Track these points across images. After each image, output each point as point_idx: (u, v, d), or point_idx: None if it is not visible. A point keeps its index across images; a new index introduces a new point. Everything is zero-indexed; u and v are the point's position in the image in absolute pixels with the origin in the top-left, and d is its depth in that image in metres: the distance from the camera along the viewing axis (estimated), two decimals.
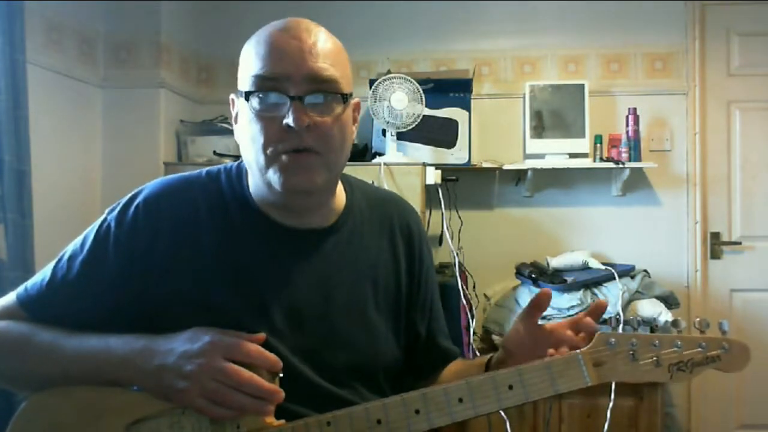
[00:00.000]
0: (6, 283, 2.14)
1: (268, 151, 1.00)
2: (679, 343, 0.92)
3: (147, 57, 3.00)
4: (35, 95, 2.37)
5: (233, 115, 1.10)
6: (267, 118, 0.99)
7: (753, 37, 3.21)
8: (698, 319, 0.92)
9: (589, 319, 0.99)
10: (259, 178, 1.04)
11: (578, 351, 0.93)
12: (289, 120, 0.97)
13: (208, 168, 1.15)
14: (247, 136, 1.02)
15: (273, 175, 1.00)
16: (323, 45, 1.01)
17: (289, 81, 0.98)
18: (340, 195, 1.15)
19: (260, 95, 1.00)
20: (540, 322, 1.04)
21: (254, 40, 1.03)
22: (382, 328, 1.13)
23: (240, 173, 1.12)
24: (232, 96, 1.10)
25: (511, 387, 0.93)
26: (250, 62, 1.02)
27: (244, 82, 1.02)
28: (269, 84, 0.99)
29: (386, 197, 1.26)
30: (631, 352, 0.92)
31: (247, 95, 1.00)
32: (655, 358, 0.92)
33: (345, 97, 1.03)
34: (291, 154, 0.99)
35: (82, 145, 2.89)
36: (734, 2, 3.23)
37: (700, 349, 0.92)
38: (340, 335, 1.08)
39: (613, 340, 0.93)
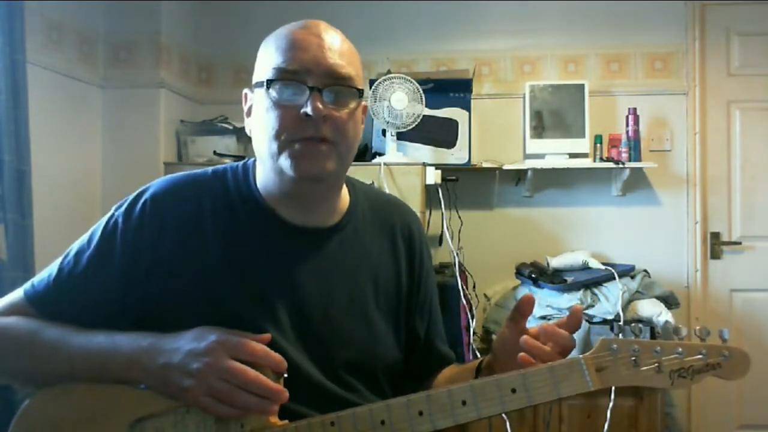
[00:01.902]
0: (6, 283, 2.14)
1: (282, 138, 1.02)
2: (681, 350, 0.93)
3: (147, 57, 3.00)
4: (35, 95, 2.37)
5: (245, 109, 1.13)
6: (285, 106, 1.02)
7: (753, 37, 3.22)
8: (698, 327, 0.93)
9: (556, 330, 1.00)
10: (270, 167, 1.06)
11: (581, 356, 0.94)
12: (307, 109, 1.00)
13: (214, 167, 1.16)
14: (262, 124, 1.04)
15: (285, 161, 1.02)
16: (340, 45, 1.06)
17: (309, 73, 1.02)
18: (344, 196, 1.17)
19: (280, 85, 1.02)
20: (541, 322, 1.05)
21: (273, 37, 1.07)
22: (382, 327, 1.15)
23: (246, 171, 1.13)
24: (245, 91, 1.13)
25: (514, 390, 0.93)
26: (270, 56, 1.05)
27: (264, 73, 1.05)
28: (290, 75, 1.02)
29: (388, 200, 1.28)
30: (633, 358, 0.93)
31: (269, 84, 1.03)
32: (656, 365, 0.92)
33: (360, 92, 1.07)
34: (304, 142, 1.02)
35: (82, 145, 2.89)
36: (734, 2, 3.23)
37: (700, 357, 0.92)
38: (341, 333, 1.09)
39: (615, 345, 0.94)
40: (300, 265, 1.09)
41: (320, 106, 1.00)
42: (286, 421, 0.97)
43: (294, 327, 1.06)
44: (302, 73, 1.02)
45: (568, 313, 1.02)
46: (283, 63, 1.02)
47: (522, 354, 0.97)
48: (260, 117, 1.05)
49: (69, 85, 2.78)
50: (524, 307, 1.03)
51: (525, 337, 0.99)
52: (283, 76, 1.02)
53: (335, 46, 1.05)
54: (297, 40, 1.03)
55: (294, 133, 1.01)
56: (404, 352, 1.19)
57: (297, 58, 1.02)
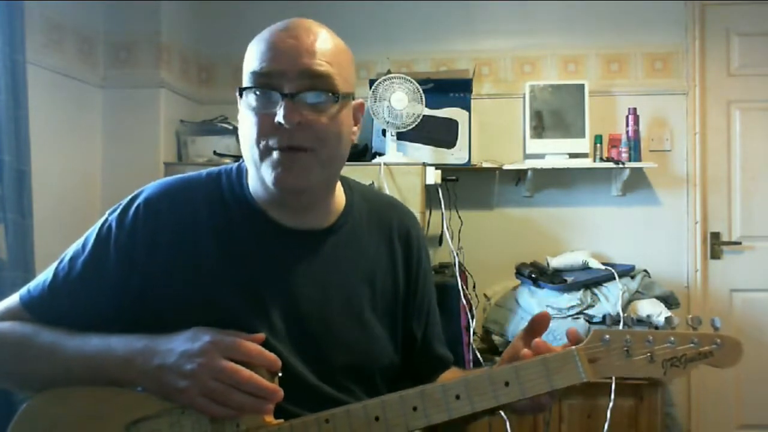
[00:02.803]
0: (6, 283, 2.14)
1: (260, 145, 1.01)
2: (673, 339, 0.93)
3: (147, 57, 3.00)
4: (35, 95, 2.38)
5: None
6: (261, 113, 1.01)
7: (753, 37, 3.22)
8: (690, 317, 0.94)
9: (550, 348, 0.98)
10: (255, 173, 1.05)
11: (574, 347, 0.94)
12: (279, 117, 0.98)
13: (208, 169, 1.16)
14: (244, 130, 1.04)
15: (266, 170, 1.01)
16: (322, 44, 1.02)
17: (283, 78, 0.99)
18: (340, 196, 1.16)
19: (255, 92, 1.01)
20: None
21: (256, 39, 1.05)
22: (378, 330, 1.14)
23: (240, 174, 1.12)
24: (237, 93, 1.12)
25: (507, 383, 0.94)
26: (250, 60, 1.04)
27: (244, 79, 1.04)
28: (263, 80, 1.00)
29: (386, 201, 1.26)
30: (625, 348, 0.93)
31: (245, 91, 1.02)
32: (649, 354, 0.93)
33: (338, 96, 1.02)
34: (283, 152, 1.00)
35: (82, 145, 2.89)
36: (734, 2, 3.23)
37: (692, 345, 0.93)
38: (337, 335, 1.09)
39: (608, 336, 0.94)
40: (294, 267, 1.08)
41: (293, 114, 0.97)
42: (281, 420, 0.97)
43: (289, 329, 1.05)
44: (276, 77, 0.99)
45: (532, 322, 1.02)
46: (258, 68, 1.00)
47: (525, 351, 0.97)
48: (243, 123, 1.04)
49: (69, 85, 2.78)
50: (538, 326, 1.02)
51: (525, 351, 0.97)
52: (258, 82, 1.00)
53: (315, 46, 1.01)
54: (273, 43, 1.01)
55: (270, 141, 1.00)
56: (401, 355, 1.19)
57: (271, 63, 1.00)
